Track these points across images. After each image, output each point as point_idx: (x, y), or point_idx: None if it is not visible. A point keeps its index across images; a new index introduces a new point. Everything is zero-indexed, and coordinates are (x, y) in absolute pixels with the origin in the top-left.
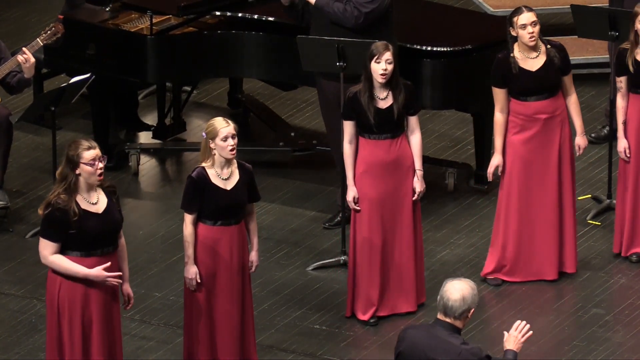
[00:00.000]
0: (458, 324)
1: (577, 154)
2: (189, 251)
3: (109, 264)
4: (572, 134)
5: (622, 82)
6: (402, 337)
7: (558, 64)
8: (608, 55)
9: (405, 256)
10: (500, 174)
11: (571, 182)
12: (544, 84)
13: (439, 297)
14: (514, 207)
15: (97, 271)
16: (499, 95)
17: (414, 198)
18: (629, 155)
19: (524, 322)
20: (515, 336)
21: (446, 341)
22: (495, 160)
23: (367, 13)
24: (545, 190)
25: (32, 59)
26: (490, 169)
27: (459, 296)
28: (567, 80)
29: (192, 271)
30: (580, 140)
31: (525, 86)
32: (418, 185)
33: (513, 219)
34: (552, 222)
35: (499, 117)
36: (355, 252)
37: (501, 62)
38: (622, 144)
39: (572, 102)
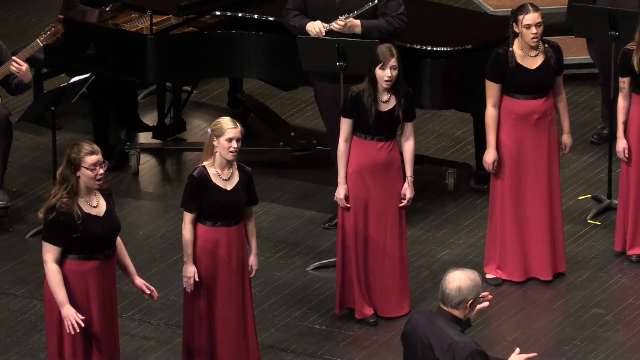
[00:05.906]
0: (457, 313)
1: (564, 152)
2: (189, 250)
3: (83, 318)
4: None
5: (625, 82)
6: (409, 319)
7: (554, 65)
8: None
9: (389, 260)
10: (494, 170)
11: (558, 182)
12: (541, 83)
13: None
14: (507, 207)
15: (68, 312)
16: (493, 90)
17: (401, 205)
18: (627, 156)
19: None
20: None
21: (442, 330)
22: (491, 156)
23: (406, 18)
24: (536, 190)
25: (24, 66)
26: (489, 167)
27: (455, 286)
28: (559, 79)
29: (190, 270)
30: (567, 139)
31: (523, 84)
32: (408, 191)
33: (507, 219)
34: (544, 222)
35: (492, 112)
36: (343, 252)
37: (500, 56)
38: (621, 144)
39: (562, 101)
